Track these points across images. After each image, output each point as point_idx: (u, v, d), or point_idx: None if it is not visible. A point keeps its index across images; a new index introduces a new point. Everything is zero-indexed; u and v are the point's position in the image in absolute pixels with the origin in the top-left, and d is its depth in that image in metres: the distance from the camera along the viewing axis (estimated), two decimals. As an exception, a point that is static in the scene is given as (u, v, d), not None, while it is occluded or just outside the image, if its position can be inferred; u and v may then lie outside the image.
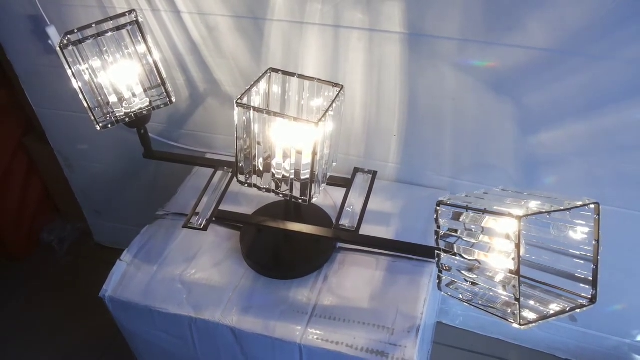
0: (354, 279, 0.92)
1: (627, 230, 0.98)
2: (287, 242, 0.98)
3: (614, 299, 1.10)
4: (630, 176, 0.92)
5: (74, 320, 1.45)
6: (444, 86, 0.93)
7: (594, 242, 0.64)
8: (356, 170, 0.94)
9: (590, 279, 0.66)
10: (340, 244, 0.97)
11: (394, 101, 0.99)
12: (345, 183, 0.92)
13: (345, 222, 0.87)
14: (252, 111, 0.77)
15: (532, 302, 0.68)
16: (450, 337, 1.33)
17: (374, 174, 0.93)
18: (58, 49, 0.83)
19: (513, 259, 0.61)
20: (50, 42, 1.12)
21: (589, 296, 0.66)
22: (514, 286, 0.62)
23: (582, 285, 0.67)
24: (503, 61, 0.87)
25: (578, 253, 0.67)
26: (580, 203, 0.63)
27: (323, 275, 0.93)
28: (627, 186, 0.93)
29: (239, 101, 0.77)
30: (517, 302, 0.62)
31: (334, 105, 0.78)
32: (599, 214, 0.64)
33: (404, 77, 0.95)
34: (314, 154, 0.76)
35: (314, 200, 0.83)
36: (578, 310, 0.65)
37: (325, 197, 1.06)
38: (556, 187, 0.98)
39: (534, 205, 0.66)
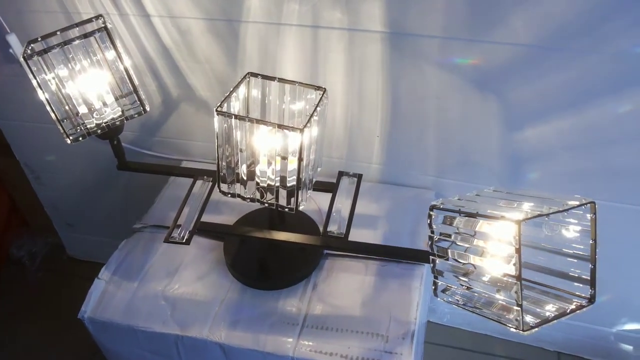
0: (344, 285, 0.90)
1: (613, 223, 0.97)
2: (272, 251, 0.95)
3: (600, 290, 1.07)
4: (616, 169, 0.92)
5: (50, 339, 1.39)
6: (427, 85, 0.92)
7: (591, 242, 0.63)
8: (341, 174, 0.92)
9: (588, 278, 0.65)
10: (328, 250, 0.95)
11: (377, 101, 0.97)
12: (330, 187, 0.90)
13: (333, 228, 0.84)
14: (233, 119, 0.74)
15: (528, 304, 0.67)
16: (439, 335, 1.32)
17: (359, 177, 0.91)
18: (22, 59, 0.78)
19: (514, 264, 0.60)
20: (11, 50, 1.06)
21: (588, 296, 0.65)
22: (515, 292, 0.61)
23: (578, 284, 0.66)
24: (487, 58, 0.86)
25: (572, 252, 0.67)
26: (577, 203, 0.62)
27: (312, 283, 0.90)
28: (612, 179, 0.93)
29: (219, 109, 0.74)
30: (519, 308, 0.61)
31: (318, 109, 0.75)
32: (595, 213, 0.63)
33: (386, 76, 0.93)
34: (300, 160, 0.73)
35: (301, 208, 0.80)
36: (578, 312, 0.64)
37: (308, 201, 1.03)
38: (542, 182, 0.98)
39: (527, 206, 0.65)
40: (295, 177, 0.76)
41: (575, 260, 0.67)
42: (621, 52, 0.78)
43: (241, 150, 0.77)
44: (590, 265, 0.64)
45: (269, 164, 0.77)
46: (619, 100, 0.83)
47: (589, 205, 0.62)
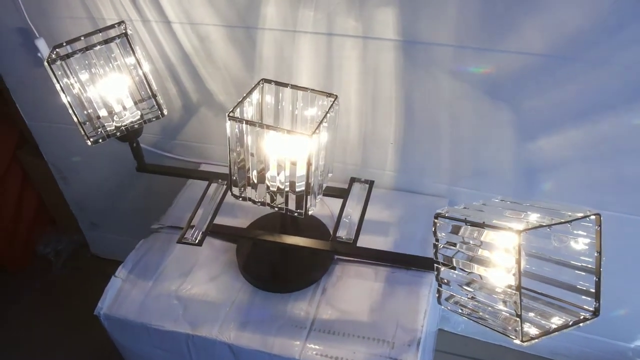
0: (352, 291, 0.90)
1: (628, 235, 0.96)
2: (284, 255, 0.96)
3: (617, 304, 1.08)
4: (630, 181, 0.90)
5: (71, 335, 1.43)
6: (441, 93, 0.92)
7: (595, 254, 0.63)
8: (353, 180, 0.92)
9: (593, 291, 0.64)
10: (337, 255, 0.95)
11: (390, 109, 0.97)
12: (342, 193, 0.91)
13: (342, 233, 0.85)
14: (244, 124, 0.75)
15: (533, 316, 0.67)
16: (453, 345, 1.31)
17: (371, 183, 0.91)
18: (46, 63, 0.82)
19: (514, 274, 0.60)
20: (39, 54, 1.11)
21: (592, 309, 0.64)
22: (515, 302, 0.61)
23: (584, 297, 0.65)
24: (499, 67, 0.85)
25: (579, 264, 0.66)
26: (581, 214, 0.62)
27: (321, 287, 0.91)
28: (627, 191, 0.92)
29: (231, 114, 0.75)
30: (518, 319, 0.61)
31: (328, 115, 0.76)
32: (600, 225, 0.62)
33: (399, 84, 0.93)
34: (309, 165, 0.74)
35: (310, 213, 0.81)
36: (581, 324, 0.64)
37: (322, 207, 1.04)
38: (555, 192, 0.96)
39: (534, 217, 0.65)
40: (304, 183, 0.77)
41: (583, 273, 0.66)
42: (636, 62, 0.77)
43: (252, 155, 0.79)
44: (594, 278, 0.63)
45: (279, 168, 0.78)
46: (634, 111, 0.82)
47: (594, 217, 0.62)
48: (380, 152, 1.05)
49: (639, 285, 1.04)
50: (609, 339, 1.16)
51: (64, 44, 0.84)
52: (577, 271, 0.66)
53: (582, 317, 0.64)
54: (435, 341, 1.22)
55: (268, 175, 0.80)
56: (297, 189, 0.78)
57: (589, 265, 0.64)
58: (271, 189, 0.81)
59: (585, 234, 0.65)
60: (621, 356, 1.18)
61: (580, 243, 0.66)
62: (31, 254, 1.67)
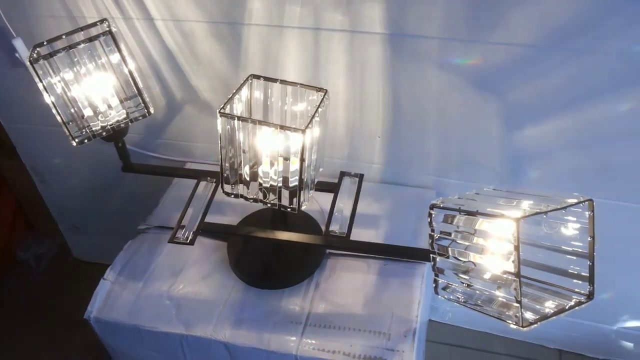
0: (346, 284, 0.91)
1: (613, 221, 0.98)
2: (275, 251, 0.96)
3: (601, 288, 1.08)
4: (615, 167, 0.93)
5: (55, 341, 1.40)
6: (428, 85, 0.93)
7: (589, 239, 0.64)
8: (342, 174, 0.93)
9: (586, 275, 0.66)
10: (330, 249, 0.96)
11: (377, 102, 0.98)
12: (332, 187, 0.91)
13: (335, 227, 0.85)
14: (236, 120, 0.75)
15: (527, 301, 0.68)
16: (441, 334, 1.33)
17: (361, 177, 0.92)
18: (28, 63, 0.80)
19: (513, 261, 0.61)
20: (17, 55, 1.08)
21: (586, 292, 0.66)
22: (515, 289, 0.62)
23: (577, 281, 0.67)
24: (486, 58, 0.86)
25: (570, 249, 0.67)
26: (575, 201, 0.63)
27: (314, 282, 0.91)
28: (612, 177, 0.94)
29: (222, 111, 0.75)
30: (518, 304, 0.62)
31: (319, 110, 0.76)
32: (593, 211, 0.64)
33: (386, 77, 0.94)
34: (302, 160, 0.74)
35: (302, 208, 0.81)
36: (577, 308, 0.65)
37: (310, 202, 1.04)
38: (542, 181, 0.98)
39: (526, 204, 0.66)
40: (297, 178, 0.77)
41: (575, 258, 0.68)
42: (619, 51, 0.79)
43: (244, 151, 0.78)
44: (588, 262, 0.65)
45: (272, 164, 0.78)
46: (618, 98, 0.84)
47: (586, 202, 0.63)
48: (368, 145, 1.05)
49: (622, 269, 1.07)
50: (593, 322, 1.19)
51: (45, 43, 0.82)
52: (569, 256, 0.68)
53: (576, 300, 0.66)
54: (427, 331, 1.23)
55: (260, 171, 0.80)
56: (291, 185, 0.78)
57: (581, 250, 0.66)
58: (264, 185, 0.80)
59: (575, 219, 0.67)
60: (604, 338, 1.21)
61: (570, 228, 0.67)
62: (11, 259, 1.63)
